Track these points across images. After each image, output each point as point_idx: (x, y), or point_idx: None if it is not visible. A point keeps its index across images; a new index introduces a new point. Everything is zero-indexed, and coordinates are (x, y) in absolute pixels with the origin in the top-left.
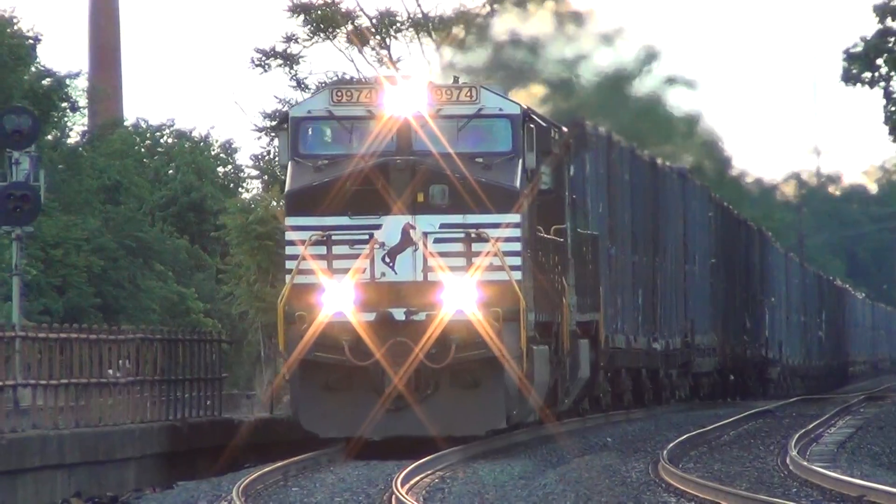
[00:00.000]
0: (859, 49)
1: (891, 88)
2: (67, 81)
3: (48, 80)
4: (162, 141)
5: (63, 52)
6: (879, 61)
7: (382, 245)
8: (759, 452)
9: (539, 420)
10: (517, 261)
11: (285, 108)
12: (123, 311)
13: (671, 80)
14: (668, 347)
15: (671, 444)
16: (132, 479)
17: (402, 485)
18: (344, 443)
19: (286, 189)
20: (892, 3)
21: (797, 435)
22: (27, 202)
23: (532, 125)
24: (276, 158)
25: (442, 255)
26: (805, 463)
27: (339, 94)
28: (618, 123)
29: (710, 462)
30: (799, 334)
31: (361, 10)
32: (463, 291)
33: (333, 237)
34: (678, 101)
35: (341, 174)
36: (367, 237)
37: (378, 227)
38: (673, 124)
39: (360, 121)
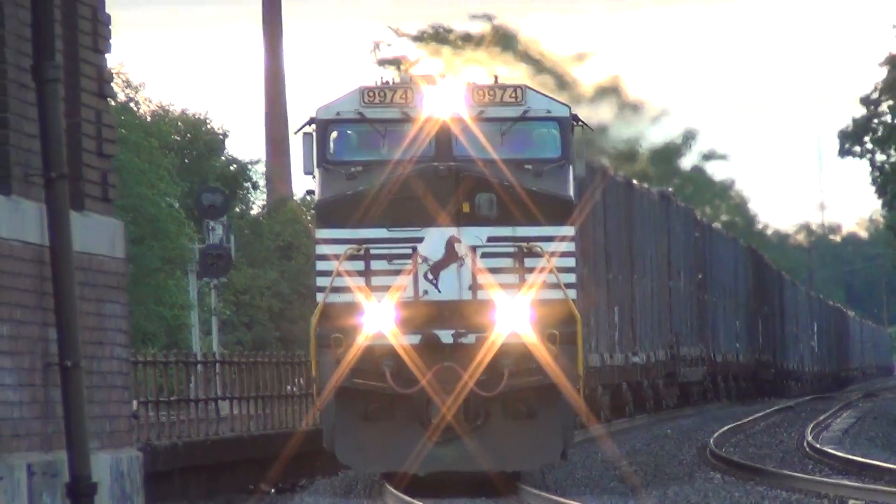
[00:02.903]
0: (850, 130)
1: (875, 160)
2: (249, 167)
3: (234, 166)
4: None
5: (246, 143)
6: (866, 139)
7: (425, 260)
8: (783, 438)
9: None
10: (572, 278)
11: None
12: (297, 341)
13: (708, 156)
14: (650, 360)
15: (716, 434)
16: (307, 470)
17: None
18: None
19: (317, 198)
20: (873, 96)
21: (811, 424)
22: (221, 259)
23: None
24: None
25: (491, 271)
26: (818, 445)
27: (372, 94)
28: (670, 186)
29: (746, 447)
30: (810, 346)
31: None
32: (516, 311)
33: (371, 251)
34: (714, 170)
35: (378, 182)
36: (408, 251)
37: (420, 240)
38: (712, 189)
39: (395, 124)
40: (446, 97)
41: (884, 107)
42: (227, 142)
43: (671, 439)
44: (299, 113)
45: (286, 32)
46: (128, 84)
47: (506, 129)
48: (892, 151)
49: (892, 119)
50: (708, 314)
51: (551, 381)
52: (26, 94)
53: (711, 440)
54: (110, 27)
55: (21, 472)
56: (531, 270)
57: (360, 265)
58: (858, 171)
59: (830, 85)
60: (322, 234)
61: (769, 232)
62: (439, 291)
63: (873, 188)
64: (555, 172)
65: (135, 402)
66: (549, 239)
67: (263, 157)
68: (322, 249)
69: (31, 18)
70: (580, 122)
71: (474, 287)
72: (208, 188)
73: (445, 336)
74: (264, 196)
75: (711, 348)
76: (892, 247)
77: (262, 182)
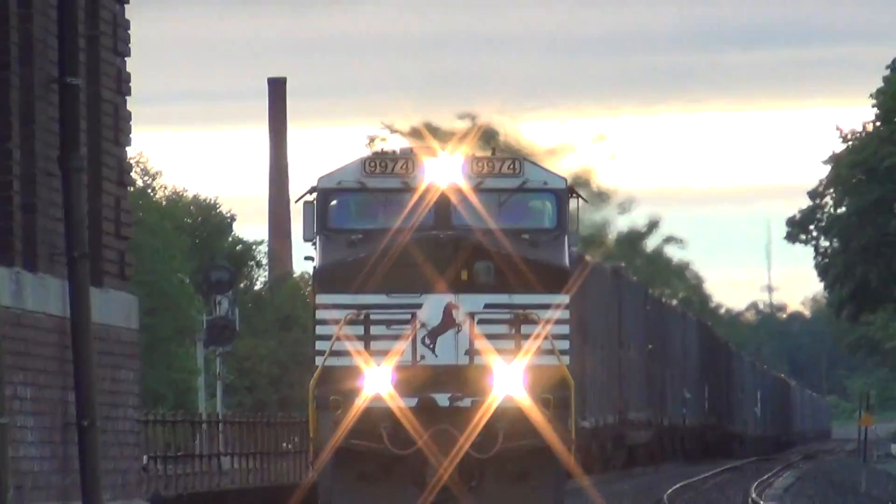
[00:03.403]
0: (797, 219)
1: (819, 246)
2: (254, 247)
3: (240, 246)
4: None
5: (251, 226)
6: (811, 227)
7: (423, 325)
8: (730, 495)
9: None
10: (566, 344)
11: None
12: (294, 404)
13: (668, 239)
14: (598, 424)
15: (669, 490)
16: None
17: None
18: None
19: (317, 264)
20: (818, 190)
21: (756, 483)
22: (227, 330)
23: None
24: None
25: (488, 337)
26: (762, 502)
27: (373, 164)
28: (633, 268)
29: (698, 502)
30: (754, 412)
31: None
32: (512, 376)
33: (371, 316)
34: (673, 254)
35: (377, 249)
36: (406, 316)
37: (419, 306)
38: (670, 270)
39: (395, 193)
40: (446, 168)
41: (827, 199)
42: (235, 224)
43: (629, 496)
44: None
45: (289, 127)
46: (146, 172)
47: (504, 200)
48: (834, 239)
49: (834, 210)
50: (657, 381)
51: (545, 444)
52: (52, 181)
53: (665, 496)
54: (130, 123)
55: None
56: (527, 337)
57: (359, 330)
58: (804, 256)
59: (780, 179)
60: (322, 299)
61: (722, 310)
62: (436, 356)
63: (816, 272)
64: (551, 242)
65: (145, 457)
66: (545, 306)
67: (267, 239)
68: (322, 314)
69: (58, 114)
70: (576, 195)
71: (471, 352)
72: (216, 265)
73: (442, 399)
74: (267, 273)
75: (659, 413)
76: (833, 325)
77: (265, 261)
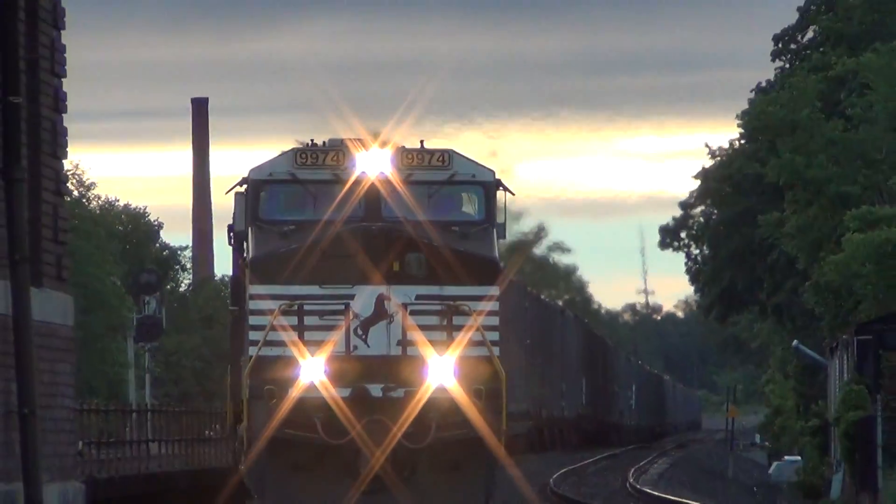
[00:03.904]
0: (670, 227)
1: (690, 253)
2: (179, 252)
3: (167, 251)
4: None
5: (176, 233)
6: (683, 235)
7: (357, 316)
8: (610, 480)
9: None
10: (496, 336)
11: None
12: (216, 395)
13: (554, 247)
14: None
15: (555, 475)
16: (221, 500)
17: None
18: None
19: (251, 255)
20: (690, 201)
21: (633, 469)
22: (154, 327)
23: (503, 193)
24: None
25: (420, 328)
26: (638, 486)
27: (304, 156)
28: (522, 274)
29: (580, 485)
30: (629, 404)
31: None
32: (444, 367)
33: (305, 307)
34: (560, 259)
35: (310, 240)
36: (339, 307)
37: (351, 297)
38: (557, 274)
39: (326, 185)
40: (376, 160)
41: (697, 210)
42: (162, 232)
43: (517, 482)
44: (222, 208)
45: (211, 143)
46: (81, 183)
47: (433, 192)
48: (704, 246)
49: (704, 221)
50: (535, 375)
51: (477, 435)
52: None
53: (552, 480)
54: (67, 138)
55: None
56: (458, 328)
57: (293, 320)
58: (677, 262)
59: (655, 191)
60: (256, 289)
61: (602, 311)
62: (368, 347)
63: (688, 276)
64: (480, 235)
65: (80, 443)
66: (475, 298)
67: (190, 245)
68: (256, 305)
69: (1, 129)
70: (504, 188)
71: (403, 343)
72: (145, 269)
73: (375, 390)
74: (190, 276)
75: (538, 404)
76: (703, 325)
77: (189, 265)
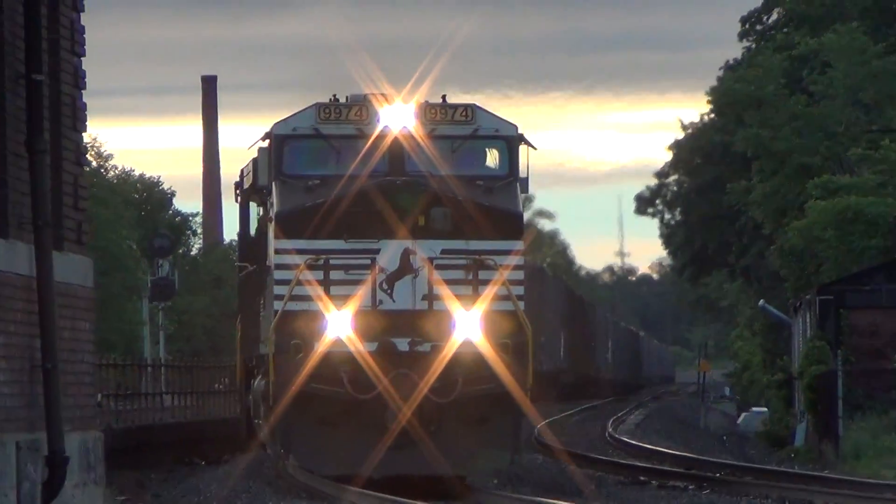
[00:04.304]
0: (646, 195)
1: (664, 218)
2: (190, 218)
3: (179, 217)
4: None
5: (188, 200)
6: (657, 202)
7: (383, 270)
8: (590, 429)
9: None
10: (521, 290)
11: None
12: (224, 351)
13: (539, 213)
14: None
15: (540, 425)
16: (225, 448)
17: None
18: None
19: (275, 210)
20: (665, 170)
21: (612, 419)
22: (167, 288)
23: (527, 147)
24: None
25: (445, 282)
26: (617, 435)
27: (327, 111)
28: None
29: (562, 435)
30: (606, 358)
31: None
32: (470, 322)
33: (331, 261)
34: (544, 224)
35: (335, 195)
36: (366, 262)
37: (376, 251)
38: (542, 238)
39: (349, 140)
40: (399, 114)
41: (670, 179)
42: (174, 199)
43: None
44: (230, 178)
45: (219, 117)
46: (99, 154)
47: (456, 147)
48: (676, 212)
49: (677, 189)
50: None
51: (504, 389)
52: (21, 162)
53: (536, 430)
54: (86, 112)
55: (11, 447)
56: (484, 283)
57: (319, 275)
58: (651, 227)
59: (631, 160)
60: (282, 244)
61: (583, 272)
62: (393, 301)
63: (662, 240)
64: (504, 189)
65: (99, 395)
66: (500, 253)
67: (201, 211)
68: (282, 259)
69: (25, 105)
70: (526, 142)
71: (430, 297)
72: (158, 234)
73: (402, 344)
74: (201, 241)
75: None
76: (676, 286)
77: (199, 230)
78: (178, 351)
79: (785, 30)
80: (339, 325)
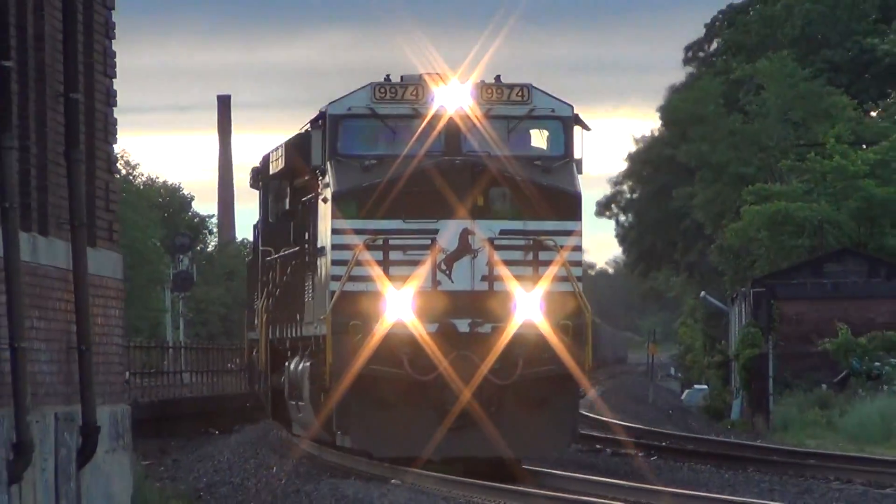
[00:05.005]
0: (604, 200)
1: (619, 221)
2: (207, 219)
3: (197, 218)
4: None
5: (205, 203)
6: (613, 206)
7: (442, 251)
8: None
9: None
10: (580, 271)
11: None
12: (236, 334)
13: None
14: None
15: None
16: (240, 419)
17: None
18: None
19: (333, 189)
20: (619, 179)
21: None
22: (187, 280)
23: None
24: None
25: (504, 263)
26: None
27: (382, 91)
28: None
29: None
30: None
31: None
32: (531, 303)
33: (390, 242)
34: None
35: (393, 174)
36: (424, 241)
37: (434, 231)
38: None
39: (405, 119)
40: (455, 94)
41: (625, 186)
42: (193, 203)
43: None
44: (242, 183)
45: (233, 131)
46: (128, 164)
47: (512, 127)
48: (630, 215)
49: (630, 196)
50: None
51: (565, 371)
52: (60, 169)
53: None
54: (116, 127)
55: (50, 418)
56: (543, 263)
57: (378, 255)
58: (608, 227)
59: (593, 172)
60: (339, 224)
61: None
62: (452, 282)
63: (617, 240)
64: (562, 169)
65: (127, 373)
66: (559, 233)
67: (216, 213)
68: (339, 239)
69: (64, 120)
70: (581, 123)
71: (490, 278)
72: (179, 233)
73: (462, 325)
74: (216, 239)
75: None
76: (629, 280)
77: (215, 229)
78: (195, 335)
79: (724, 57)
80: (400, 306)
